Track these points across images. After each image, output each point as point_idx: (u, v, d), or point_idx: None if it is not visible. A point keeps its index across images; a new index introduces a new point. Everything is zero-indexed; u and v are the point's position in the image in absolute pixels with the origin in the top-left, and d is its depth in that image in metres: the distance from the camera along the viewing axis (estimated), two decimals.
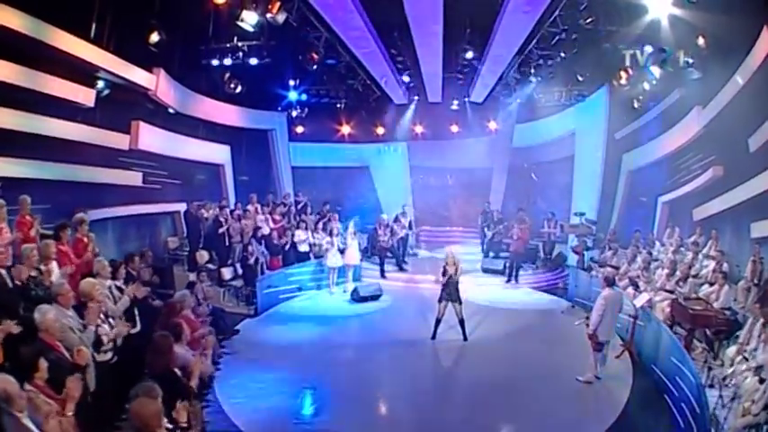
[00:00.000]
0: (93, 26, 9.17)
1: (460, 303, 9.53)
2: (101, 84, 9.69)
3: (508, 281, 13.72)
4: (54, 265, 6.32)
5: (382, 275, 14.19)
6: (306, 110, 17.46)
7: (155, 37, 10.06)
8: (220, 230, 11.75)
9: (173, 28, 10.26)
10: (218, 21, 11.12)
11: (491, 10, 9.48)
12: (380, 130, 18.43)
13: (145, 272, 7.96)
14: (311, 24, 10.86)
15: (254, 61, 11.91)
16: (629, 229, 12.75)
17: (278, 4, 9.20)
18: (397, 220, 15.24)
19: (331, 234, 13.11)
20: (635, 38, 10.05)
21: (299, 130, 17.81)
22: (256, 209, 13.49)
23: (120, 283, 6.77)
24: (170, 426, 4.00)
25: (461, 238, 17.24)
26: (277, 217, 13.65)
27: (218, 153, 15.19)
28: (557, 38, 10.81)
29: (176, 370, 5.13)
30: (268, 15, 9.47)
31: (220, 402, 7.15)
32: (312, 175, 17.86)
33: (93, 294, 5.73)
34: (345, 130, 18.58)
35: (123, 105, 11.01)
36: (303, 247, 13.38)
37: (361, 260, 13.88)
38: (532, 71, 13.01)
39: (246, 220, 12.66)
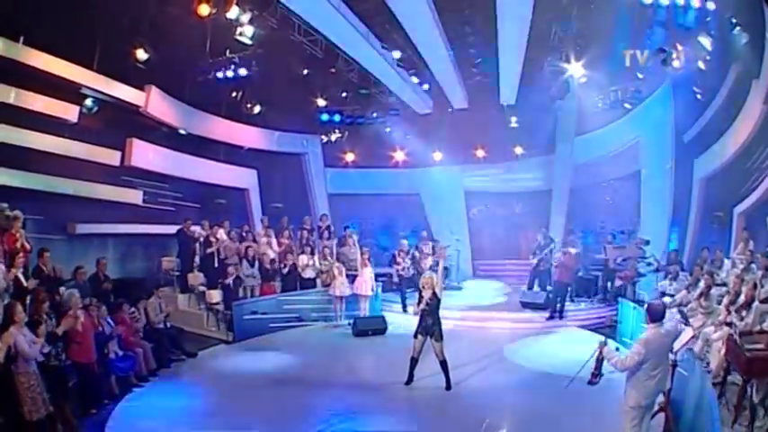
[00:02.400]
0: (80, 46, 10.12)
1: (440, 339, 8.17)
2: (89, 101, 10.51)
3: (550, 317, 12.13)
4: None
5: (404, 309, 13.31)
6: (346, 133, 17.53)
7: (142, 54, 10.89)
8: (209, 250, 11.93)
9: (163, 45, 11.01)
10: (214, 36, 11.72)
11: None
12: (438, 156, 17.86)
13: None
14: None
15: (243, 71, 12.24)
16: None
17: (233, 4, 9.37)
18: (418, 248, 14.36)
19: (340, 261, 12.72)
20: None
21: (349, 157, 18.02)
22: (265, 231, 13.57)
23: None
24: None
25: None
26: (284, 240, 13.57)
27: (242, 177, 15.83)
28: None
29: None
30: (227, 15, 9.71)
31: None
32: (359, 203, 17.69)
33: None
34: (399, 156, 18.24)
35: (135, 126, 12.08)
36: (307, 273, 13.10)
37: (373, 289, 13.05)
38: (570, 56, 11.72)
39: (247, 242, 12.75)
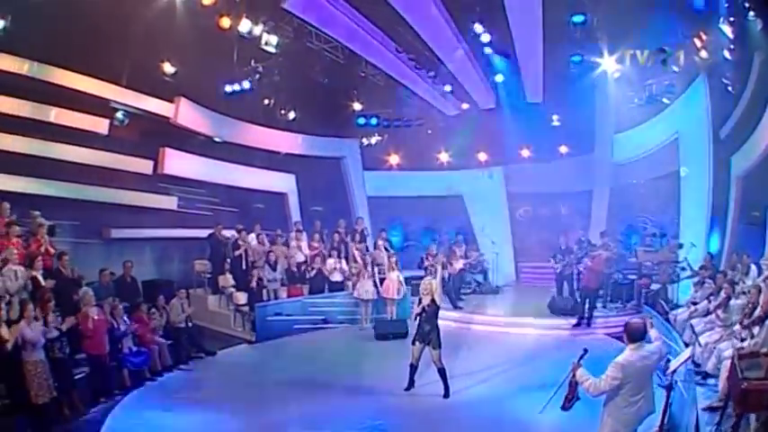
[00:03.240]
0: (109, 64, 11.23)
1: (439, 347, 8.23)
2: (119, 114, 11.64)
3: (577, 324, 11.88)
4: None
5: None
6: (386, 136, 17.93)
7: (169, 68, 11.86)
8: (236, 253, 12.71)
9: (190, 58, 11.93)
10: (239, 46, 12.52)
11: None
12: (482, 156, 17.91)
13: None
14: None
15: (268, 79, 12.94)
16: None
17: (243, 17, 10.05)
18: (451, 250, 14.47)
19: (366, 264, 13.12)
20: None
21: (393, 159, 18.41)
22: (296, 235, 14.24)
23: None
24: None
25: None
26: (315, 244, 14.15)
27: (280, 182, 16.61)
28: None
29: None
30: (239, 28, 10.39)
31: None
32: (402, 206, 18.00)
33: None
34: (444, 157, 18.45)
35: (169, 136, 13.15)
36: (335, 277, 13.61)
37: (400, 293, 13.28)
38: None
39: (276, 245, 13.47)
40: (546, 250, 16.75)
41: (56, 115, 10.79)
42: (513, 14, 9.99)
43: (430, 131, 17.80)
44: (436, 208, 17.99)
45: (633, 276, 12.55)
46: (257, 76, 12.93)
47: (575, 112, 14.92)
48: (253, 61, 12.82)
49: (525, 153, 17.38)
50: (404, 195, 18.00)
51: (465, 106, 16.48)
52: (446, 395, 8.36)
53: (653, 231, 12.33)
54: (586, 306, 11.85)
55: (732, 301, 8.35)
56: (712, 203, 11.48)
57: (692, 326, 8.30)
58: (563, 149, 16.85)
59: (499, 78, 13.80)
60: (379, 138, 18.00)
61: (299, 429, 7.55)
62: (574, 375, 5.07)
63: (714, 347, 7.56)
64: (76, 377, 7.92)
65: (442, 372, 8.38)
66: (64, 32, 9.58)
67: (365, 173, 18.35)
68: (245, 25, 10.59)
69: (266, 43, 12.15)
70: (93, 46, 10.20)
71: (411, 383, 8.62)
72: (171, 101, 12.76)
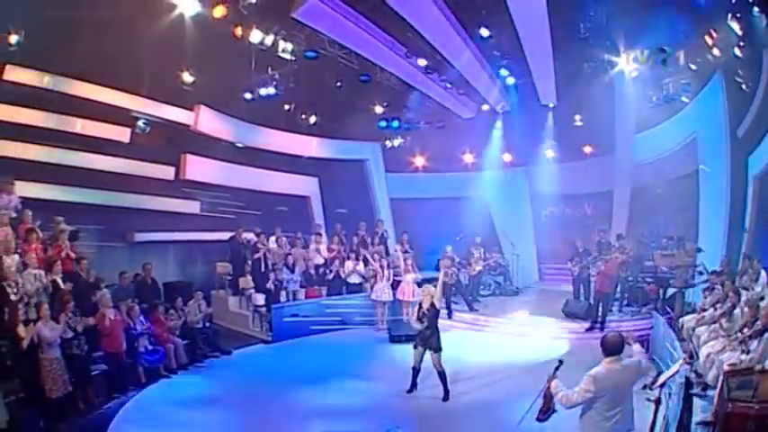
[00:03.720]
0: (130, 75, 11.87)
1: (439, 350, 8.54)
2: (141, 122, 12.33)
3: (589, 329, 11.85)
4: None
5: (449, 315, 13.71)
6: (408, 138, 18.15)
7: (188, 77, 12.44)
8: (255, 256, 13.22)
9: (208, 66, 12.48)
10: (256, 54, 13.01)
11: None
12: (507, 157, 17.96)
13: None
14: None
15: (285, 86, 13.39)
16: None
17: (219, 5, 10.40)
18: (469, 253, 14.62)
19: (382, 267, 13.43)
20: None
21: (418, 161, 18.58)
22: (315, 238, 14.67)
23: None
24: None
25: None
26: (334, 246, 14.55)
27: (303, 185, 17.12)
28: None
29: None
30: (250, 39, 10.83)
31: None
32: (425, 207, 18.16)
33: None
34: (468, 158, 18.58)
35: (191, 142, 13.82)
36: (353, 279, 13.96)
37: (415, 295, 13.54)
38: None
39: (295, 248, 13.93)
40: (570, 251, 16.78)
41: (80, 126, 11.51)
42: (519, 18, 10.06)
43: (452, 133, 17.93)
44: (460, 209, 18.08)
45: (650, 280, 12.43)
46: (274, 83, 13.34)
47: (595, 112, 14.77)
48: (269, 69, 13.26)
49: (549, 153, 17.31)
50: (428, 197, 18.22)
51: (485, 107, 16.55)
52: (445, 398, 8.59)
53: (670, 235, 12.06)
54: (599, 310, 11.82)
55: (737, 311, 8.21)
56: (730, 204, 11.23)
57: (691, 337, 8.21)
58: (587, 149, 16.72)
59: (510, 81, 13.82)
60: (402, 140, 18.25)
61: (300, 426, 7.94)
62: (549, 387, 5.04)
63: (715, 359, 7.39)
64: (94, 373, 8.54)
65: (442, 375, 8.62)
66: (84, 46, 10.17)
67: (389, 175, 18.64)
68: (256, 36, 11.01)
69: (283, 50, 12.60)
70: (112, 58, 10.71)
71: (413, 386, 8.91)
72: (191, 109, 13.38)
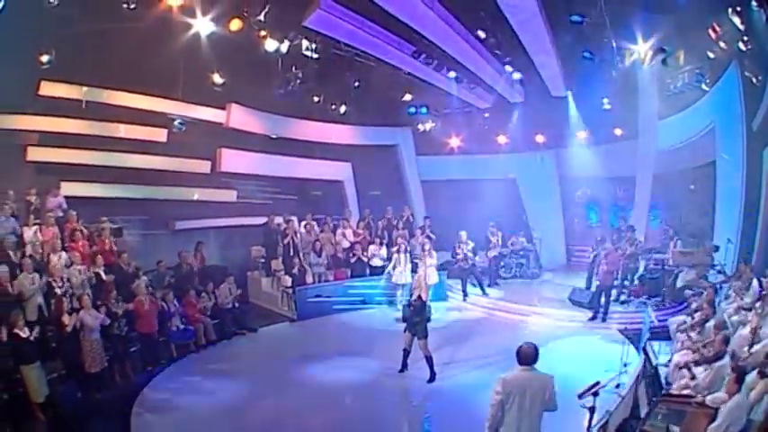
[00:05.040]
0: (165, 81, 13.28)
1: (425, 337, 9.56)
2: (177, 122, 13.82)
3: (592, 318, 12.42)
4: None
5: (464, 298, 14.64)
6: (439, 123, 18.77)
7: (218, 79, 13.70)
8: (285, 241, 14.58)
9: (238, 67, 13.67)
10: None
11: None
12: (540, 139, 18.31)
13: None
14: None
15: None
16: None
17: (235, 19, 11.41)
18: (486, 238, 15.34)
19: (399, 251, 14.41)
20: None
21: (454, 142, 19.21)
22: (343, 223, 15.87)
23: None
24: None
25: None
26: (359, 231, 15.69)
27: (336, 170, 18.33)
28: None
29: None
30: (266, 47, 11.88)
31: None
32: (456, 189, 18.85)
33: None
34: (501, 140, 19.02)
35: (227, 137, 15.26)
36: (375, 262, 15.10)
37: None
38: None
39: (324, 233, 15.20)
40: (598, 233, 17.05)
41: (122, 130, 13.21)
42: (514, 17, 10.43)
43: (480, 117, 18.43)
44: (491, 191, 18.56)
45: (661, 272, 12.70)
46: (298, 81, 14.35)
47: (619, 97, 14.83)
48: (294, 67, 14.28)
49: (581, 135, 17.41)
50: (460, 179, 18.82)
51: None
52: (431, 380, 9.61)
53: (693, 232, 12.17)
54: (602, 300, 12.32)
55: (709, 324, 8.35)
56: (745, 199, 11.27)
57: (651, 345, 8.51)
58: (618, 132, 16.71)
59: (516, 76, 14.15)
60: (433, 124, 18.90)
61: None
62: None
63: (680, 368, 7.54)
64: (131, 350, 10.20)
65: (428, 359, 9.65)
66: (116, 58, 11.63)
67: (421, 158, 19.45)
68: (271, 44, 12.00)
69: (306, 48, 13.60)
70: (145, 67, 11.98)
71: (404, 366, 10.02)
72: (223, 108, 14.75)
